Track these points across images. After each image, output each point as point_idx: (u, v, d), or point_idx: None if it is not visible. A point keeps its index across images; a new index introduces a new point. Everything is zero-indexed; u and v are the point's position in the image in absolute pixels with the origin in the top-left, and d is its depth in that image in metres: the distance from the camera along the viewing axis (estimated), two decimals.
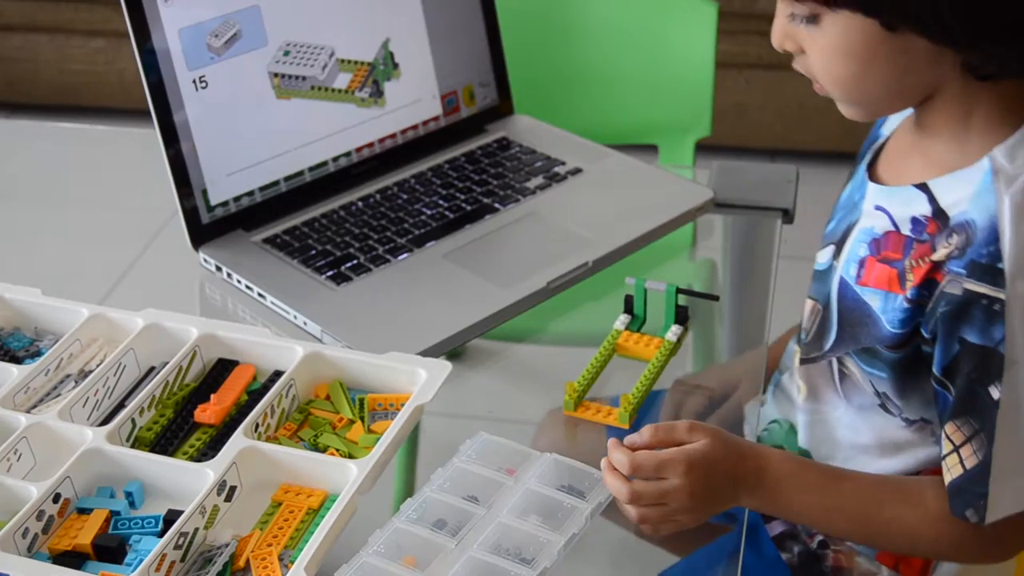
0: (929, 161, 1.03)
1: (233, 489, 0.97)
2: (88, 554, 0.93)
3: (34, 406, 1.06)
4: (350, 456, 1.00)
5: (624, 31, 1.70)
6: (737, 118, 2.83)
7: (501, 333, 1.19)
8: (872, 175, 1.09)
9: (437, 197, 1.34)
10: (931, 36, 0.94)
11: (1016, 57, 0.95)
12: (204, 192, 1.26)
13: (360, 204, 1.33)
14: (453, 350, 1.15)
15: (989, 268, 0.95)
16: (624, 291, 1.17)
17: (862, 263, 1.06)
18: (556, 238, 1.27)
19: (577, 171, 1.38)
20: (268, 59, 1.28)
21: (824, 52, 0.98)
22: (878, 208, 1.05)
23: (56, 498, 0.95)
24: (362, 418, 1.04)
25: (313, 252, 1.25)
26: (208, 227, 1.27)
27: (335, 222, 1.30)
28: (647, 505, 0.96)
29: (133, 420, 1.02)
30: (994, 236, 0.95)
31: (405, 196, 1.34)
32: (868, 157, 1.12)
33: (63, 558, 0.92)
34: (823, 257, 1.12)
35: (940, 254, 0.98)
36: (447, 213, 1.31)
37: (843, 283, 1.08)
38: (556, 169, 1.38)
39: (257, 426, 1.01)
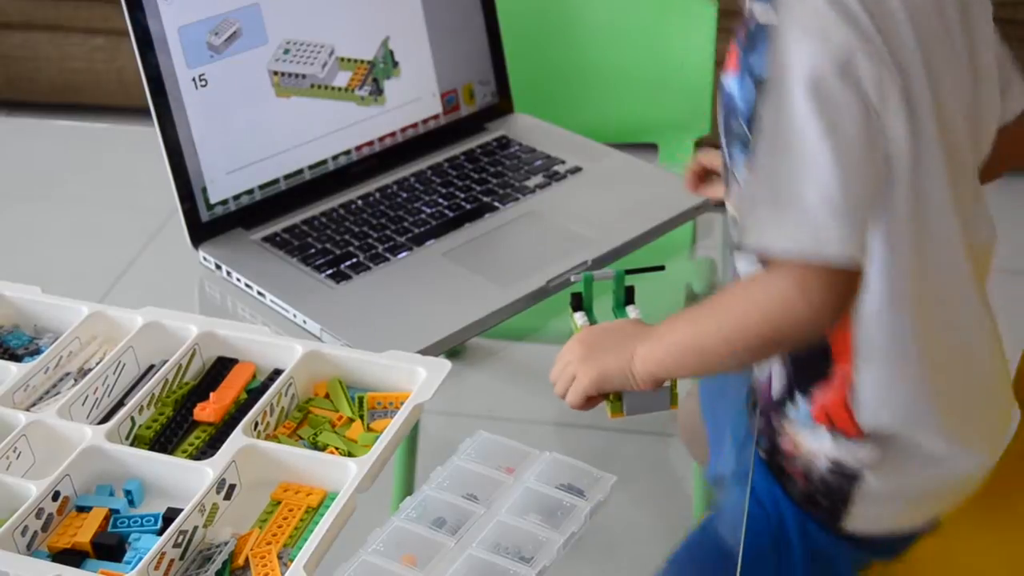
0: None
1: (232, 487, 0.97)
2: (87, 552, 0.93)
3: (33, 404, 1.06)
4: (349, 454, 1.00)
5: (624, 30, 1.69)
6: None
7: (501, 332, 1.19)
8: None
9: (437, 195, 1.33)
10: None
11: None
12: (204, 190, 1.26)
13: (360, 202, 1.33)
14: (453, 349, 1.15)
15: None
16: (573, 290, 1.16)
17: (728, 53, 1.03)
18: (556, 237, 1.27)
19: (577, 170, 1.38)
20: (268, 57, 1.28)
21: None
22: None
23: (55, 496, 0.95)
24: (361, 416, 1.04)
25: (312, 250, 1.25)
26: (208, 225, 1.27)
27: (335, 220, 1.30)
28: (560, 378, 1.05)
29: (132, 418, 1.02)
30: None
31: (405, 194, 1.34)
32: None
33: (62, 556, 0.92)
34: None
35: None
36: (447, 212, 1.31)
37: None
38: (556, 168, 1.38)
39: (256, 424, 1.01)
